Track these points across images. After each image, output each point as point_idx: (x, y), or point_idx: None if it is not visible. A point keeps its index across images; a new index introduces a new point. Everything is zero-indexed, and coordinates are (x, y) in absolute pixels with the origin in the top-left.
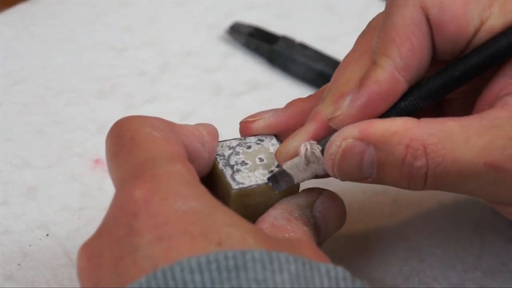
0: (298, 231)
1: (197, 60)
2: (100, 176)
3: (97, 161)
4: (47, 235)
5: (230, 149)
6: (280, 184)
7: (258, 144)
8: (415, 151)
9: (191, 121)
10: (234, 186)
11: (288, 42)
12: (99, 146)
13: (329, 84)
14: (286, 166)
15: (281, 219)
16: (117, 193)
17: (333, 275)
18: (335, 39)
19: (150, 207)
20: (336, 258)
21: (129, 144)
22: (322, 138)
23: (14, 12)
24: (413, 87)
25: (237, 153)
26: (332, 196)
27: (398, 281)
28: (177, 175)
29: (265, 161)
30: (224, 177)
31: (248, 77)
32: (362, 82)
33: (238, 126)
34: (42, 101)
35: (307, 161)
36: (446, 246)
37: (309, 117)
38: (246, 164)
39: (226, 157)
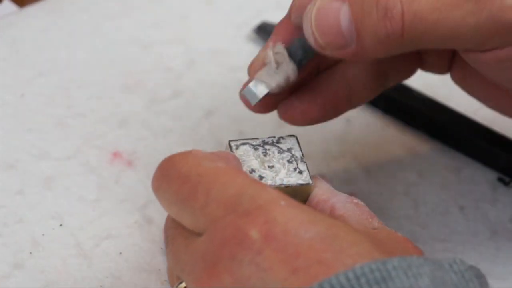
0: (371, 215)
1: (223, 58)
2: (118, 169)
3: (115, 154)
4: (60, 225)
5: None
6: (255, 95)
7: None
8: None
9: (214, 119)
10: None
11: None
12: (118, 139)
13: None
14: (257, 75)
15: (348, 204)
16: (220, 230)
17: (457, 268)
18: None
19: (274, 241)
20: None
21: (203, 182)
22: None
23: (44, 5)
24: None
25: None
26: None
27: None
28: (280, 200)
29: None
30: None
31: None
32: None
33: (260, 125)
34: (65, 94)
35: (276, 63)
36: (460, 251)
37: (273, 31)
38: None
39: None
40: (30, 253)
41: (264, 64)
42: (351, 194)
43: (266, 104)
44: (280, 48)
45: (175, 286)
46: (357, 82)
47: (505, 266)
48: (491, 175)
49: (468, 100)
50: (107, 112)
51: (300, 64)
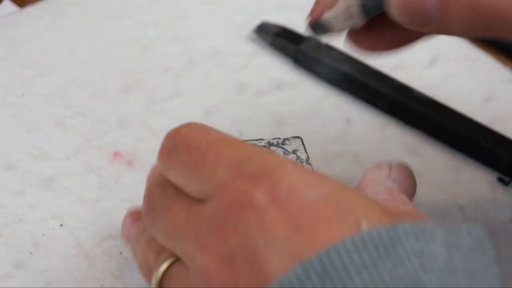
0: (405, 203)
1: (223, 58)
2: (118, 169)
3: (115, 154)
4: (60, 225)
5: None
6: (319, 31)
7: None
8: None
9: (214, 119)
10: None
11: (314, 42)
12: (118, 140)
13: None
14: (323, 18)
15: (382, 194)
16: (226, 194)
17: (475, 235)
18: None
19: (279, 202)
20: None
21: (212, 149)
22: None
23: (45, 5)
24: None
25: None
26: (404, 166)
27: None
28: (287, 163)
29: None
30: None
31: (272, 77)
32: None
33: (260, 125)
34: (65, 94)
35: (347, 12)
36: None
37: None
38: None
39: None
40: (30, 253)
41: (332, 7)
42: None
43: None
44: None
45: (159, 266)
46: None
47: (505, 266)
48: (491, 175)
49: (468, 100)
50: (107, 112)
51: (370, 16)
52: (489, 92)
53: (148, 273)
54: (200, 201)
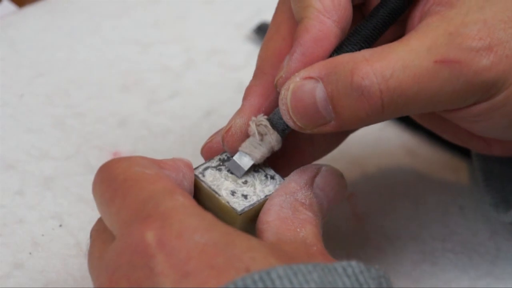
0: (304, 224)
1: (222, 58)
2: None
3: (115, 154)
4: (60, 225)
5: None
6: (240, 167)
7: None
8: (360, 70)
9: (214, 119)
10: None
11: None
12: (118, 140)
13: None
14: (241, 148)
15: (286, 208)
16: (123, 237)
17: (351, 272)
18: None
19: (167, 245)
20: (349, 257)
21: (123, 187)
22: (268, 110)
23: (44, 5)
24: (346, 37)
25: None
26: (331, 171)
27: (409, 283)
28: (183, 208)
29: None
30: (227, 202)
31: None
32: (294, 38)
33: None
34: (64, 94)
35: (260, 134)
36: (460, 251)
37: (244, 95)
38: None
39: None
40: (30, 253)
41: (246, 135)
42: (351, 194)
43: None
44: (263, 119)
45: None
46: (320, 137)
47: (505, 266)
48: None
49: None
50: (107, 112)
51: (283, 133)
52: None
53: None
54: (113, 238)
